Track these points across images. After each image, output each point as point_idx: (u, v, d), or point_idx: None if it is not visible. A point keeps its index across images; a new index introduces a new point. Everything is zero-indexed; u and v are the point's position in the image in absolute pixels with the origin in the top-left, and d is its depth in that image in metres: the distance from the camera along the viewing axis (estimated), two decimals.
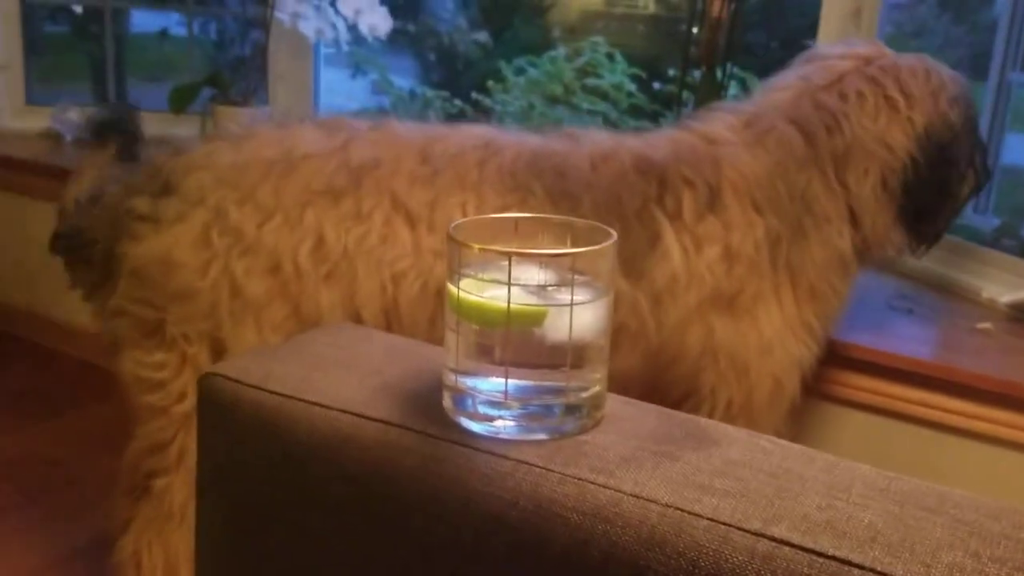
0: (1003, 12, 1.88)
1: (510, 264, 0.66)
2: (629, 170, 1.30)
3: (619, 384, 1.33)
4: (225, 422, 0.75)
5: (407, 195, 1.26)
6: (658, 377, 1.34)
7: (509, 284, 0.67)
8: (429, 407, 0.72)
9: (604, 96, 3.01)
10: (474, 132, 1.36)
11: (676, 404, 1.35)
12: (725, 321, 1.30)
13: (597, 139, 1.36)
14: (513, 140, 1.34)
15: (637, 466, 0.66)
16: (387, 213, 1.26)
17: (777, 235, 1.30)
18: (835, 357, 1.49)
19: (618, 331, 1.27)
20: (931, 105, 1.36)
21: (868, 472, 0.67)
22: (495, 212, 1.24)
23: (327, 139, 1.30)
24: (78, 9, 2.91)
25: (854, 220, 1.36)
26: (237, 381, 0.75)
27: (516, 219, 0.76)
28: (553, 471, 0.65)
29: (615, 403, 0.76)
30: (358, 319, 1.26)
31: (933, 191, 1.37)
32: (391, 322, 1.27)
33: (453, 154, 1.29)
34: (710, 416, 1.33)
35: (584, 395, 0.71)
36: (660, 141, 1.37)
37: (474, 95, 3.14)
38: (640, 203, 1.28)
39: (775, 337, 1.31)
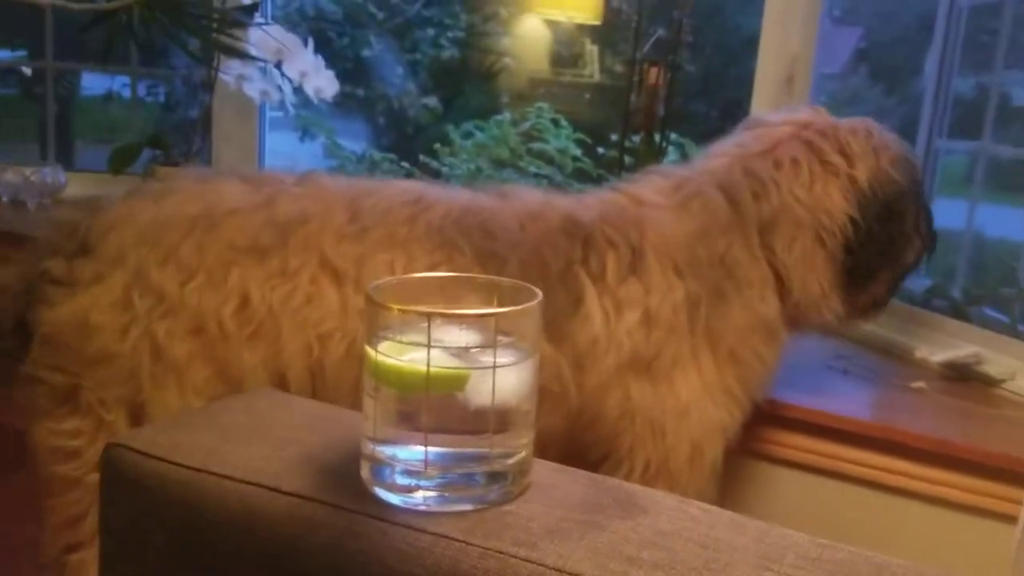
0: (929, 83, 1.95)
1: (429, 325, 0.64)
2: (556, 230, 1.29)
3: (538, 444, 1.30)
4: (129, 496, 0.71)
5: (335, 252, 1.22)
6: (577, 438, 1.32)
7: (429, 346, 0.64)
8: (347, 479, 0.69)
9: (550, 160, 3.04)
10: (404, 187, 1.33)
11: (595, 465, 1.32)
12: (643, 385, 1.28)
13: (527, 198, 1.35)
14: (444, 196, 1.31)
15: (562, 537, 0.63)
16: (314, 271, 1.22)
17: (696, 299, 1.29)
18: (772, 417, 1.48)
19: (539, 394, 1.25)
20: (873, 162, 1.36)
21: (801, 540, 0.65)
22: (423, 270, 1.21)
23: (252, 194, 1.26)
24: (28, 71, 2.88)
25: (782, 286, 1.36)
26: (142, 453, 0.71)
27: (440, 279, 0.75)
28: (474, 545, 0.62)
29: (542, 469, 0.73)
30: (283, 380, 1.22)
31: (881, 248, 1.37)
32: (316, 383, 1.22)
33: (383, 210, 1.26)
34: (628, 477, 1.30)
35: (509, 462, 0.68)
36: (590, 201, 1.36)
37: (422, 158, 3.15)
38: (564, 264, 1.27)
39: (692, 401, 1.30)
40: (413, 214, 1.26)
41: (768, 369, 1.37)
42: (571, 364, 1.25)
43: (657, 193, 1.37)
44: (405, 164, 3.24)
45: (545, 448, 1.28)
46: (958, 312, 1.82)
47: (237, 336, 1.19)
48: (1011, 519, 1.31)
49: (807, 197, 1.34)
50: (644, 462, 1.30)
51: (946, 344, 1.71)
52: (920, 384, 1.61)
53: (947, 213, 1.99)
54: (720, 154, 1.42)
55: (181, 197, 1.25)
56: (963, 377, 1.66)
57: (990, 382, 1.63)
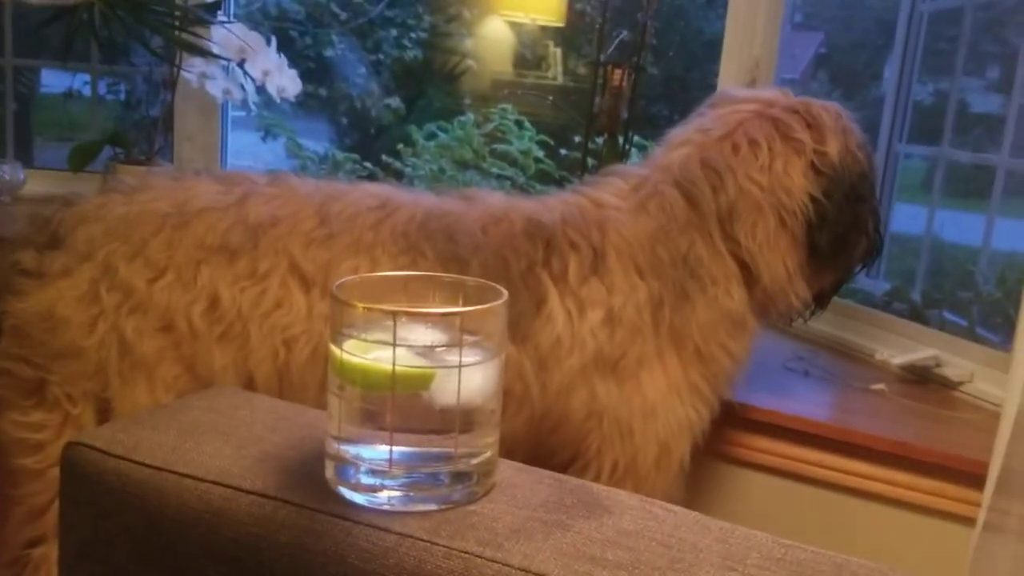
0: (889, 89, 1.98)
1: (395, 323, 0.64)
2: (518, 233, 1.29)
3: (505, 448, 1.29)
4: (89, 496, 0.70)
5: (303, 257, 1.23)
6: (544, 441, 1.32)
7: (394, 345, 0.64)
8: (311, 478, 0.68)
9: (512, 162, 3.04)
10: (371, 191, 1.33)
11: (562, 467, 1.32)
12: (609, 385, 1.28)
13: (491, 201, 1.35)
14: (409, 200, 1.32)
15: (527, 537, 0.63)
16: (283, 275, 1.22)
17: (660, 299, 1.29)
18: (733, 418, 1.48)
19: (503, 395, 1.24)
20: (842, 140, 1.37)
21: (764, 541, 0.65)
22: None
23: (224, 193, 1.26)
24: None
25: (749, 275, 1.35)
26: (102, 451, 0.70)
27: (406, 278, 0.74)
28: (438, 545, 0.62)
29: (507, 469, 0.73)
30: (251, 380, 1.22)
31: (846, 228, 1.36)
32: (283, 385, 1.22)
33: (349, 215, 1.27)
34: (596, 478, 1.30)
35: (474, 462, 0.68)
36: (553, 204, 1.36)
37: (384, 158, 3.14)
38: (526, 266, 1.27)
39: (659, 401, 1.30)
40: (378, 219, 1.27)
41: (738, 363, 1.37)
42: (534, 365, 1.25)
43: (617, 195, 1.37)
44: (367, 164, 3.23)
45: (512, 452, 1.28)
46: (917, 315, 1.85)
47: (207, 336, 1.20)
48: (969, 520, 1.33)
49: (765, 179, 1.33)
50: (612, 463, 1.30)
51: (905, 347, 1.74)
52: (880, 386, 1.63)
53: (907, 218, 2.02)
54: (680, 143, 1.41)
55: (153, 194, 1.25)
56: (922, 379, 1.68)
57: (948, 384, 1.65)
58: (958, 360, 1.66)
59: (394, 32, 3.69)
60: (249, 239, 1.23)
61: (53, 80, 3.05)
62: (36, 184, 2.52)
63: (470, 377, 0.66)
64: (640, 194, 1.36)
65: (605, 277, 1.28)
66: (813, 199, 1.34)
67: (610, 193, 1.38)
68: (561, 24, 3.18)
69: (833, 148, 1.35)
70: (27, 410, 1.20)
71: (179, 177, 1.31)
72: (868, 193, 1.40)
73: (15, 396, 1.21)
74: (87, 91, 2.77)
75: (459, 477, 0.67)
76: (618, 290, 1.28)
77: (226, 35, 2.13)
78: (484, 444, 0.69)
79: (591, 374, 1.27)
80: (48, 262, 1.20)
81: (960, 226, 1.98)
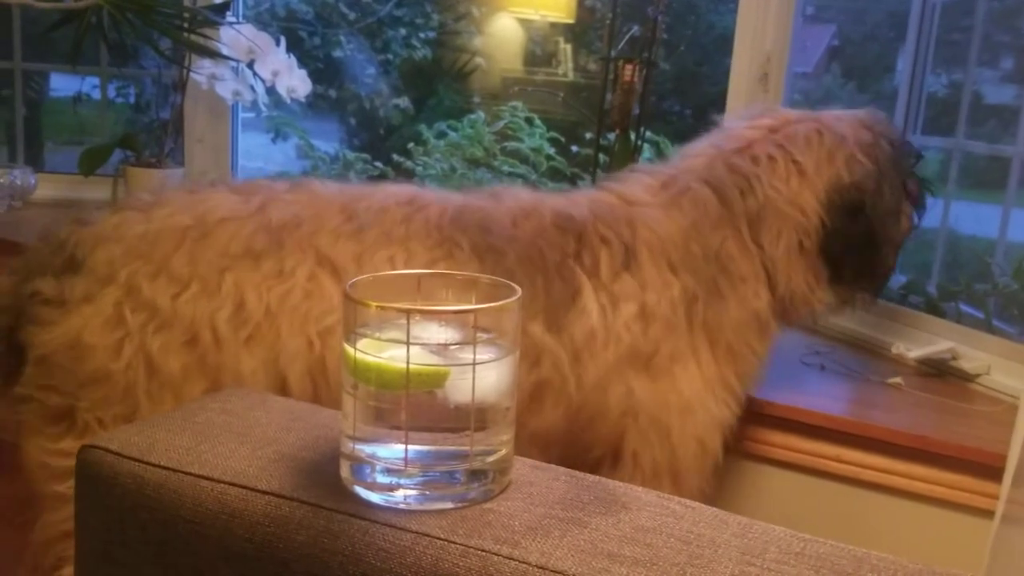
0: (903, 81, 1.96)
1: (408, 322, 0.63)
2: (549, 226, 1.29)
3: (542, 442, 1.29)
4: (104, 498, 0.70)
5: (332, 250, 1.21)
6: (580, 436, 1.31)
7: (408, 343, 0.64)
8: (326, 477, 0.68)
9: (524, 159, 3.04)
10: (397, 190, 1.32)
11: (596, 464, 1.32)
12: (644, 381, 1.28)
13: (518, 196, 1.35)
14: (437, 197, 1.32)
15: (544, 535, 0.63)
16: (311, 268, 1.20)
17: (693, 294, 1.30)
18: (750, 414, 1.48)
19: (541, 386, 1.25)
20: (828, 168, 1.37)
21: (783, 535, 0.65)
22: (424, 266, 1.21)
23: (243, 202, 1.24)
24: None
25: (770, 280, 1.36)
26: (117, 453, 0.70)
27: (417, 276, 0.74)
28: (455, 543, 0.62)
29: (523, 467, 0.73)
30: (282, 382, 1.19)
31: (860, 248, 1.37)
32: (317, 382, 1.20)
33: (378, 210, 1.26)
34: (633, 476, 1.30)
35: (489, 460, 0.68)
36: (580, 199, 1.37)
37: (395, 157, 3.14)
38: (559, 258, 1.27)
39: (695, 398, 1.30)
40: (408, 214, 1.26)
41: (761, 363, 1.38)
42: (570, 356, 1.25)
43: (646, 191, 1.38)
44: (378, 164, 3.23)
45: (547, 448, 1.28)
46: (933, 308, 1.84)
47: (233, 341, 1.17)
48: (987, 513, 1.32)
49: (787, 191, 1.35)
50: (651, 461, 1.30)
51: (922, 340, 1.73)
52: (896, 380, 1.62)
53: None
54: (697, 153, 1.43)
55: (171, 209, 1.23)
56: (939, 372, 1.67)
57: (965, 377, 1.64)
58: (975, 353, 1.65)
59: (403, 31, 3.69)
60: (274, 241, 1.21)
61: (62, 84, 3.06)
62: (47, 188, 2.53)
63: (484, 375, 0.65)
64: (671, 191, 1.37)
65: (637, 273, 1.28)
66: (825, 219, 1.35)
67: (639, 190, 1.38)
68: (571, 20, 3.17)
69: (820, 182, 1.36)
70: (56, 437, 1.18)
71: (195, 190, 1.29)
72: (883, 193, 1.40)
73: (43, 424, 1.19)
74: (96, 94, 2.78)
75: (475, 475, 0.67)
76: (651, 286, 1.28)
77: (235, 36, 2.14)
78: (499, 442, 0.68)
79: (626, 369, 1.27)
80: (69, 288, 1.18)
81: (976, 218, 1.96)
